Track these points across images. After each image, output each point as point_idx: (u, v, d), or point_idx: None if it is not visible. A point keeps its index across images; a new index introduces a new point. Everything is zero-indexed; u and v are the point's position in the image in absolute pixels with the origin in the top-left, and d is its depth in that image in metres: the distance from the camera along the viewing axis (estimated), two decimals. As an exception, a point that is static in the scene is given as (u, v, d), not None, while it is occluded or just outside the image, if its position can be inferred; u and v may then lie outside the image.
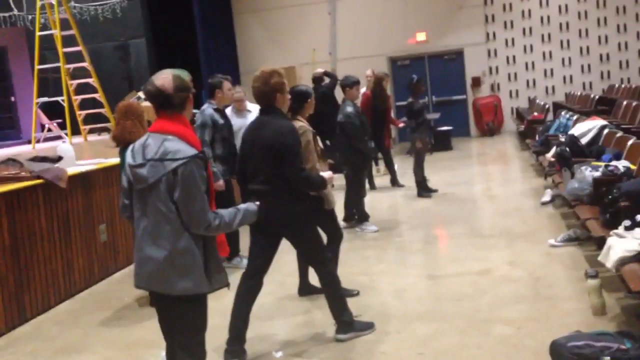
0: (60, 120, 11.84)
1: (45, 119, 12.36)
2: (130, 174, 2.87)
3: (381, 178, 10.05)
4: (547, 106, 11.80)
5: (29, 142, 11.84)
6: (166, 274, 2.79)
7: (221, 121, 6.02)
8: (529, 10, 14.87)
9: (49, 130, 12.33)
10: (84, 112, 11.65)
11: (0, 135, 14.03)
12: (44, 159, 5.96)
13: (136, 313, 5.21)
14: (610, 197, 4.29)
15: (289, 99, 4.20)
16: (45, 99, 11.62)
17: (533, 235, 6.17)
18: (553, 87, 14.99)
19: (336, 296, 4.23)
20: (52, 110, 12.24)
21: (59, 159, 5.91)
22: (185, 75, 2.87)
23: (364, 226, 7.17)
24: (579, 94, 13.23)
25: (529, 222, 6.76)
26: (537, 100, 13.48)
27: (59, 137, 11.91)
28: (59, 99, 11.16)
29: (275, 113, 4.03)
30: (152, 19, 14.74)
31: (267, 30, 15.90)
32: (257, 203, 3.11)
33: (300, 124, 4.70)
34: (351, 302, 4.68)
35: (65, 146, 6.47)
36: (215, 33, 14.99)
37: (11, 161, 5.76)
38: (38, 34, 11.30)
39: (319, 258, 4.20)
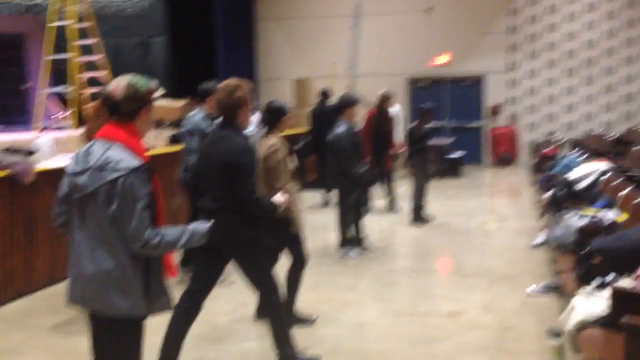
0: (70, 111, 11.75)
1: (56, 109, 12.32)
2: (68, 182, 2.71)
3: (379, 201, 9.75)
4: (561, 142, 11.40)
5: (39, 130, 11.78)
6: (100, 291, 2.60)
7: (209, 129, 5.79)
8: (555, 43, 14.47)
9: (58, 120, 12.27)
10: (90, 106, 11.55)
11: (10, 121, 14.04)
12: (17, 151, 5.83)
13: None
14: (583, 251, 3.97)
15: (250, 114, 3.99)
16: (55, 89, 11.56)
17: (515, 279, 5.83)
18: (573, 123, 14.53)
19: (280, 326, 3.97)
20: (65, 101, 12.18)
21: (31, 152, 5.76)
22: (142, 84, 2.68)
23: (346, 251, 6.91)
24: (598, 132, 12.79)
25: (516, 264, 6.41)
26: (555, 135, 13.05)
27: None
28: (60, 89, 11.08)
29: (234, 128, 3.82)
30: (174, 18, 14.70)
31: (288, 39, 15.76)
32: (208, 224, 2.89)
33: (274, 140, 4.51)
34: (305, 332, 4.46)
35: (42, 139, 6.33)
36: (235, 38, 14.90)
37: (-17, 151, 5.64)
38: (50, 24, 11.27)
39: (266, 285, 3.94)
